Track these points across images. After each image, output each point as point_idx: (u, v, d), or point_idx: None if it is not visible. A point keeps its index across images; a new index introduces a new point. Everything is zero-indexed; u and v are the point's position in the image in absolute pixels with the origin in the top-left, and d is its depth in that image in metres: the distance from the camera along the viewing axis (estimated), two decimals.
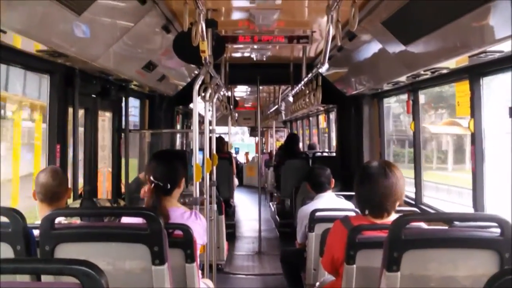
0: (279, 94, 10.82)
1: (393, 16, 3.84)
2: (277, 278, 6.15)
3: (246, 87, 11.22)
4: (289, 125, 17.09)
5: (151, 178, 2.84)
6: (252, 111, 16.50)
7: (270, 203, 11.30)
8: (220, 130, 15.12)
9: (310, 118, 13.23)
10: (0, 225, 2.22)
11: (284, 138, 17.59)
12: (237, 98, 13.05)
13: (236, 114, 14.73)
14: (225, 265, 6.68)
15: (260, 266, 7.10)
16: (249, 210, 11.52)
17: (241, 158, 17.76)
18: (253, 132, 18.43)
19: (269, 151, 14.77)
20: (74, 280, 1.38)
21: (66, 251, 2.24)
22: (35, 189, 3.14)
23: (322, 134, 12.20)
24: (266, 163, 12.56)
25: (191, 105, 4.39)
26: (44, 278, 1.96)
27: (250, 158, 18.02)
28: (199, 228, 2.86)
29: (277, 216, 9.27)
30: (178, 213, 2.85)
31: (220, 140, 9.54)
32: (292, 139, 9.46)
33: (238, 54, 7.11)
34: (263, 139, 16.87)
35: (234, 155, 16.56)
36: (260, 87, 11.30)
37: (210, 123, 4.76)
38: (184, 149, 9.52)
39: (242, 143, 19.64)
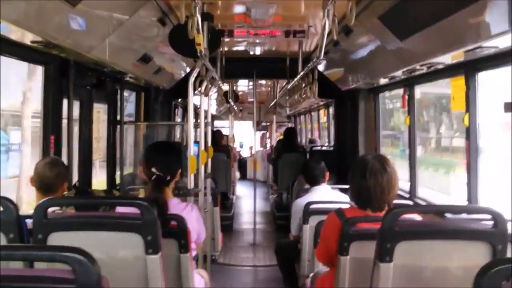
0: (278, 89, 10.83)
1: (389, 11, 3.84)
2: (272, 269, 6.19)
3: (248, 81, 11.22)
4: (293, 119, 17.10)
5: (153, 170, 2.82)
6: (257, 105, 16.51)
7: (270, 196, 11.32)
8: (225, 123, 15.15)
9: (312, 113, 13.23)
10: None
11: None
12: (239, 93, 13.04)
13: (241, 108, 14.71)
14: (220, 256, 6.70)
15: (255, 257, 7.12)
16: (250, 203, 11.56)
17: (246, 152, 17.78)
18: (257, 126, 18.46)
19: (270, 145, 14.78)
20: (67, 267, 1.38)
21: (59, 239, 2.24)
22: (32, 176, 3.14)
23: (323, 129, 12.19)
24: (268, 157, 12.58)
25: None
26: (37, 266, 1.96)
27: (254, 152, 18.07)
28: (194, 220, 2.86)
29: (274, 209, 9.30)
30: (174, 203, 2.86)
31: (216, 133, 9.54)
32: (290, 132, 9.44)
33: (234, 48, 7.11)
34: (267, 134, 16.92)
35: (238, 149, 16.61)
36: (263, 82, 11.30)
37: (206, 116, 4.76)
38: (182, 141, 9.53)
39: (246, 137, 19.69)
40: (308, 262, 4.14)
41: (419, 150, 6.04)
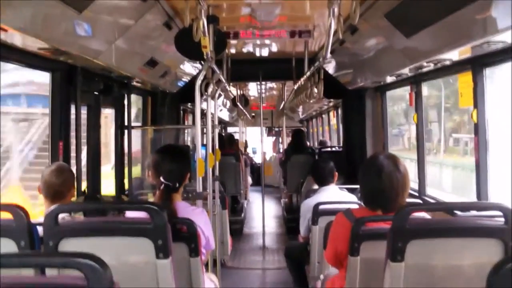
0: (287, 92, 10.80)
1: (395, 9, 3.83)
2: (281, 272, 6.20)
3: (258, 86, 11.20)
4: (306, 123, 17.06)
5: (161, 179, 2.83)
6: (269, 110, 16.43)
7: (282, 200, 11.31)
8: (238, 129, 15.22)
9: (323, 116, 13.22)
10: (3, 221, 2.23)
11: None
12: (250, 97, 12.97)
13: (253, 114, 14.66)
14: (230, 260, 6.70)
15: (264, 260, 7.12)
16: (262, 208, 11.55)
17: (259, 159, 17.77)
18: (270, 132, 18.39)
19: (282, 149, 14.79)
20: (78, 273, 1.38)
21: (70, 246, 2.25)
22: (39, 184, 3.15)
23: (333, 131, 12.16)
24: (280, 161, 12.58)
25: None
26: (49, 272, 1.97)
27: (267, 157, 17.98)
28: (202, 223, 2.86)
29: (284, 212, 9.29)
30: (182, 206, 2.86)
31: (223, 137, 9.54)
32: (298, 134, 9.45)
33: (240, 50, 7.11)
34: (279, 139, 16.91)
35: (251, 155, 16.54)
36: (273, 86, 11.25)
37: (213, 119, 4.75)
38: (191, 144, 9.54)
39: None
40: (318, 264, 4.12)
41: None
